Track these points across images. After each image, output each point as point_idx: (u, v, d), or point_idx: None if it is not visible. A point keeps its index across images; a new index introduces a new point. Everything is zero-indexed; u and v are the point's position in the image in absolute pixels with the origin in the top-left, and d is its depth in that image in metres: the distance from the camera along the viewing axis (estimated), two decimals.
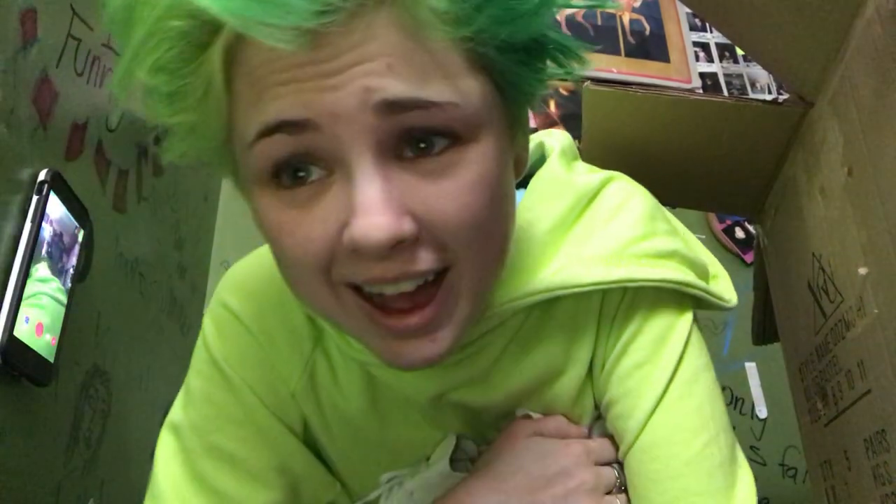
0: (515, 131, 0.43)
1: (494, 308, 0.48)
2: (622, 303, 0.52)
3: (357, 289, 0.39)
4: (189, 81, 0.37)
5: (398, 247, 0.36)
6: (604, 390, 0.54)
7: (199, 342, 0.55)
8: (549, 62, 0.41)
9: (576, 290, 0.49)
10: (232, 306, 0.54)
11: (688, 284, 0.52)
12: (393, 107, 0.35)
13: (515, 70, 0.39)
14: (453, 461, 0.53)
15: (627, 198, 0.54)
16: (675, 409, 0.51)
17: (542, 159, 0.55)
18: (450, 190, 0.37)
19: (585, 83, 0.80)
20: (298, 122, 0.35)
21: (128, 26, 0.35)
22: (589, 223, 0.52)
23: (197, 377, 0.55)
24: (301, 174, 0.37)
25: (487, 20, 0.35)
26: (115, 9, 0.36)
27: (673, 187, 0.89)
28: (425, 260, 0.38)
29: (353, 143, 0.35)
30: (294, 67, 0.34)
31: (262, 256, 0.56)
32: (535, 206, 0.51)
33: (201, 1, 0.31)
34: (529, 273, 0.49)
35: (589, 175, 0.55)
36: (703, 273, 0.55)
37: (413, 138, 0.37)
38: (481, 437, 0.56)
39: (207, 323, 0.55)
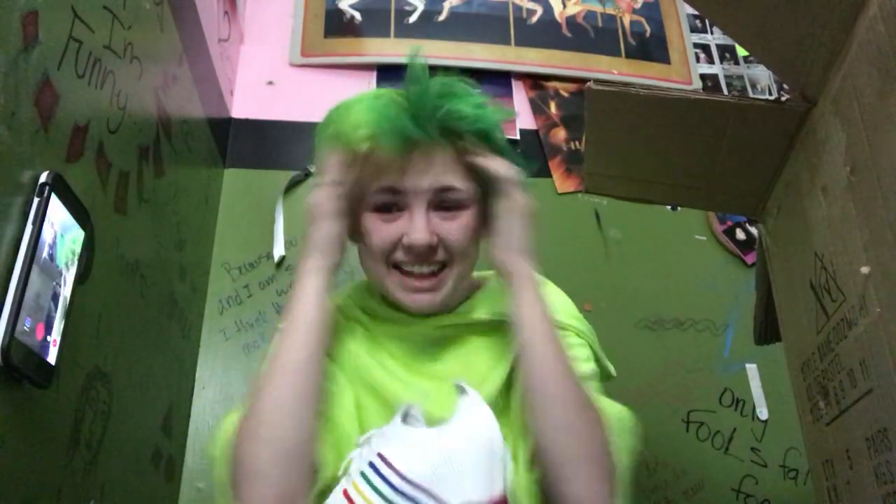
0: (483, 215, 0.85)
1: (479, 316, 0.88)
2: None
3: (398, 268, 0.82)
4: (356, 159, 0.82)
5: (427, 248, 0.79)
6: None
7: None
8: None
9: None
10: None
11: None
12: (442, 189, 0.80)
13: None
14: (405, 420, 0.74)
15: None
16: None
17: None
18: (453, 227, 0.82)
19: (588, 83, 0.80)
20: (399, 189, 0.80)
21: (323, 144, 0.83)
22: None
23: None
24: (388, 209, 0.81)
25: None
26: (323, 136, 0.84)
27: (675, 187, 0.89)
28: (439, 256, 0.81)
29: (418, 202, 0.80)
30: (397, 164, 0.79)
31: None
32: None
33: (362, 133, 0.80)
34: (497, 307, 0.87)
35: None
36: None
37: (443, 203, 0.81)
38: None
39: None
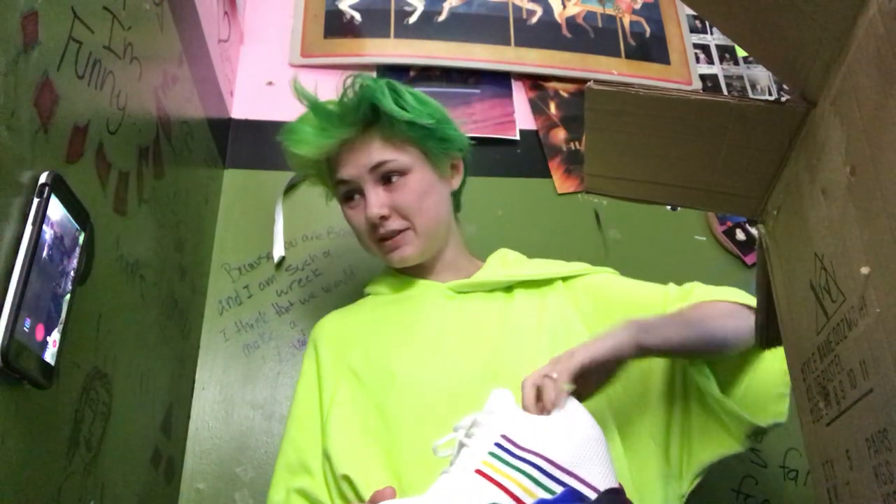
0: (437, 168, 1.13)
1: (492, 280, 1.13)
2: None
3: (376, 238, 1.08)
4: (313, 166, 1.17)
5: (384, 218, 1.06)
6: None
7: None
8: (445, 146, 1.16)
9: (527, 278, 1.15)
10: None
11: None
12: (376, 165, 1.07)
13: (426, 149, 1.12)
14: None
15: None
16: None
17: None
18: (402, 194, 1.07)
19: (588, 83, 0.80)
20: (346, 179, 1.10)
21: (293, 155, 1.17)
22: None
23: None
24: (352, 198, 1.11)
25: (413, 133, 1.09)
26: (292, 154, 1.17)
27: (675, 188, 0.89)
28: (397, 223, 1.07)
29: (365, 184, 1.08)
30: (344, 159, 1.11)
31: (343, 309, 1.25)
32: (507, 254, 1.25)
33: (310, 156, 1.14)
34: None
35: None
36: None
37: (386, 176, 1.08)
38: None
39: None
